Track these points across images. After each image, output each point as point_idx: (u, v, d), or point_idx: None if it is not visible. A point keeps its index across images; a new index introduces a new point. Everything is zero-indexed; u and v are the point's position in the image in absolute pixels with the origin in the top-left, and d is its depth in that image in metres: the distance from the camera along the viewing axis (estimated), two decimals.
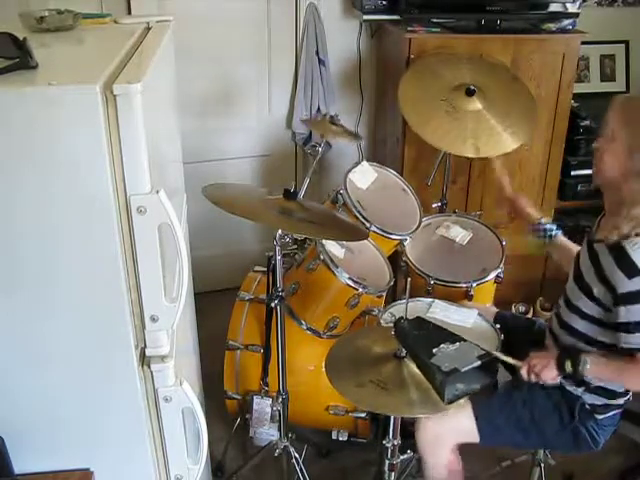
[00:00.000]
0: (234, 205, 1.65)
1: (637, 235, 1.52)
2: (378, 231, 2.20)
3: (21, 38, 1.08)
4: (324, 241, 2.07)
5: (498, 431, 1.79)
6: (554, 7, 2.89)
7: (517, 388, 1.79)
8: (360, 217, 2.18)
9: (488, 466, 2.24)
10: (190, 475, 1.31)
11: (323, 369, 1.58)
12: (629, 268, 1.52)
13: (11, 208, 1.00)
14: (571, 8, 2.88)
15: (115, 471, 1.25)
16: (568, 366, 1.61)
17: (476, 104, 2.40)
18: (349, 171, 2.32)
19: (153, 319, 1.12)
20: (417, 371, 1.47)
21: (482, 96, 2.42)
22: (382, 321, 1.90)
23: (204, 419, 1.27)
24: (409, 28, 2.77)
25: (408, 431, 1.84)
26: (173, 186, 1.51)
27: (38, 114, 0.95)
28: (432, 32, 2.78)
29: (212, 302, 2.56)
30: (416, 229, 2.33)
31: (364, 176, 2.36)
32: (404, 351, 1.50)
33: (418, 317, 1.63)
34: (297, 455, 2.14)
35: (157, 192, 1.04)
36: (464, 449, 1.85)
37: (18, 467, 1.20)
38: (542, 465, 1.99)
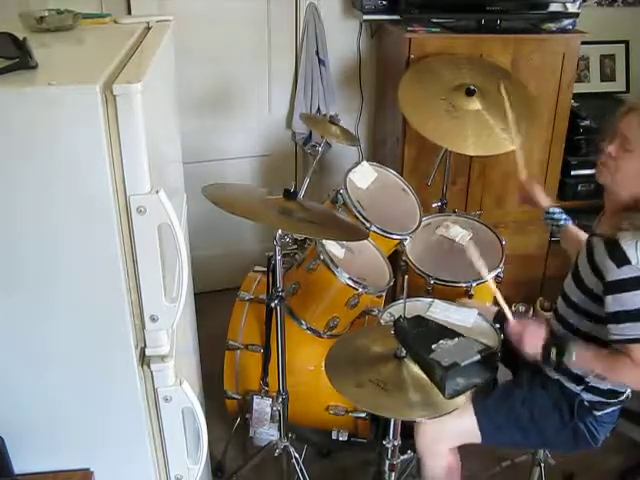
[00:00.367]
0: (234, 205, 1.65)
1: (634, 230, 1.53)
2: (378, 231, 2.20)
3: (21, 38, 1.08)
4: (324, 241, 2.07)
5: (499, 430, 1.79)
6: (554, 7, 2.90)
7: (517, 386, 1.80)
8: (360, 217, 2.18)
9: (488, 466, 2.24)
10: (190, 475, 1.31)
11: (323, 369, 1.58)
12: (619, 257, 1.52)
13: (11, 208, 1.00)
14: (571, 8, 2.88)
15: (115, 471, 1.25)
16: (553, 353, 1.61)
17: (476, 104, 2.40)
18: (349, 171, 2.32)
19: (153, 319, 1.12)
20: (417, 371, 1.47)
21: (482, 96, 2.42)
22: (382, 321, 1.90)
23: (204, 419, 1.27)
24: (409, 28, 2.77)
25: (408, 431, 1.84)
26: (173, 186, 1.51)
27: (38, 114, 0.95)
28: (432, 32, 2.78)
29: (212, 302, 2.56)
30: (416, 229, 2.33)
31: (364, 176, 2.36)
32: (404, 351, 1.50)
33: (417, 316, 1.63)
34: (297, 455, 2.14)
35: (157, 192, 1.04)
36: (464, 449, 1.85)
37: (18, 467, 1.20)
38: (542, 465, 1.99)
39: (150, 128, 1.06)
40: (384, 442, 1.73)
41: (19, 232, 1.02)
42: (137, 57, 1.18)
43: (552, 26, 2.88)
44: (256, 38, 3.04)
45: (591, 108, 3.09)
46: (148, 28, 1.49)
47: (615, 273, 1.53)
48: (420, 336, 1.48)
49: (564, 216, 1.98)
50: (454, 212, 2.58)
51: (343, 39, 3.15)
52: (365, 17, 2.96)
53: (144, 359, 1.17)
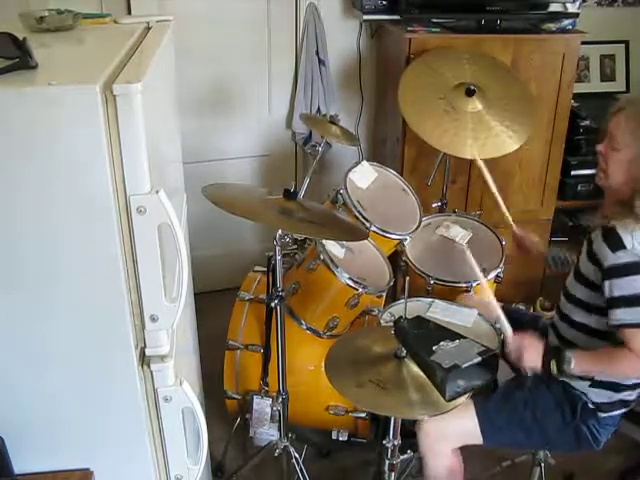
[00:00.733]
0: (234, 205, 1.65)
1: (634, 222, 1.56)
2: (378, 231, 2.20)
3: (21, 38, 1.08)
4: (324, 241, 2.07)
5: (500, 431, 1.79)
6: (554, 7, 2.90)
7: (519, 388, 1.79)
8: (360, 217, 2.18)
9: (488, 466, 2.24)
10: (190, 475, 1.31)
11: (323, 369, 1.58)
12: (614, 242, 1.55)
13: (11, 208, 1.00)
14: (571, 8, 2.88)
15: (115, 471, 1.25)
16: (553, 366, 1.63)
17: (476, 104, 2.40)
18: (349, 171, 2.32)
19: (153, 319, 1.12)
20: (417, 371, 1.47)
21: (482, 96, 2.42)
22: (382, 321, 1.90)
23: (204, 419, 1.27)
24: (409, 28, 2.77)
25: (408, 430, 1.84)
26: (173, 186, 1.51)
27: (38, 114, 0.95)
28: (432, 32, 2.78)
29: (212, 302, 2.56)
30: (416, 229, 2.33)
31: (364, 176, 2.36)
32: (404, 351, 1.50)
33: (418, 316, 1.63)
34: (297, 455, 2.14)
35: (157, 192, 1.04)
36: (464, 450, 1.85)
37: (18, 467, 1.20)
38: (542, 465, 1.99)
39: (150, 128, 1.06)
40: (384, 442, 1.73)
41: (19, 232, 1.02)
42: (137, 57, 1.18)
43: (552, 26, 2.88)
44: (256, 38, 3.04)
45: (591, 108, 3.09)
46: (148, 28, 1.49)
47: (611, 258, 1.56)
48: (420, 337, 1.48)
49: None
50: (454, 212, 2.58)
51: (343, 39, 3.15)
52: (365, 17, 2.96)
53: (144, 359, 1.17)
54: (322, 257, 2.04)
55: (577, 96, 3.04)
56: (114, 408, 1.19)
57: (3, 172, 0.97)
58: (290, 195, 1.69)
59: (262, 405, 2.19)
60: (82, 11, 1.46)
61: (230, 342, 2.26)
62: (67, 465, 1.22)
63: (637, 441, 2.44)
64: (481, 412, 1.77)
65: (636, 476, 2.36)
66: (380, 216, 2.23)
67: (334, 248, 2.12)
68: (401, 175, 2.54)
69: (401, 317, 1.54)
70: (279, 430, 2.13)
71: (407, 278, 1.61)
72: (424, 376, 1.45)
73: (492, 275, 2.22)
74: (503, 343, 1.76)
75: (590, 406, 1.74)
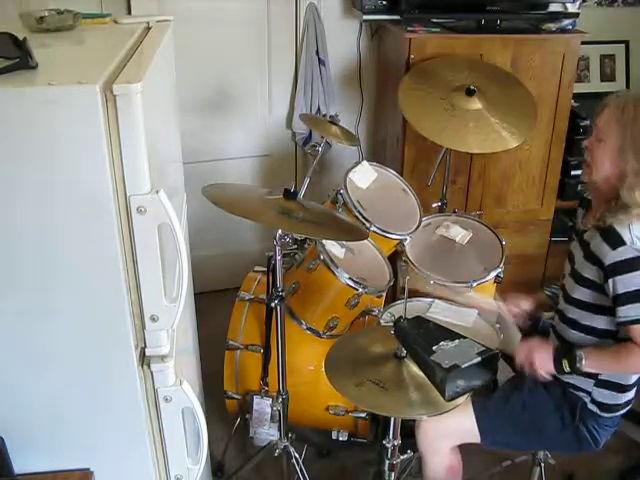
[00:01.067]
0: (234, 205, 1.65)
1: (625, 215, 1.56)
2: (378, 231, 2.20)
3: (21, 38, 1.08)
4: (324, 241, 2.07)
5: (498, 432, 1.79)
6: (554, 7, 2.89)
7: (517, 389, 1.79)
8: (360, 217, 2.18)
9: (488, 466, 2.24)
10: (190, 475, 1.31)
11: (323, 369, 1.58)
12: (614, 239, 1.55)
13: (11, 208, 1.00)
14: (571, 8, 2.88)
15: (115, 471, 1.25)
16: (566, 365, 1.63)
17: (476, 104, 2.41)
18: (349, 171, 2.32)
19: (153, 319, 1.12)
20: (417, 371, 1.47)
21: (482, 96, 2.42)
22: (382, 321, 1.90)
23: (204, 419, 1.27)
24: (409, 28, 2.77)
25: (408, 430, 1.84)
26: (173, 186, 1.51)
27: (38, 114, 0.95)
28: (432, 32, 2.78)
29: (212, 302, 2.56)
30: (416, 229, 2.33)
31: (364, 176, 2.36)
32: (404, 351, 1.50)
33: (418, 316, 1.63)
34: (297, 455, 2.14)
35: (157, 192, 1.04)
36: (465, 449, 1.85)
37: (18, 467, 1.20)
38: (542, 465, 1.99)
39: (150, 128, 1.06)
40: (384, 442, 1.73)
41: (19, 232, 1.02)
42: (137, 57, 1.18)
43: (552, 26, 2.88)
44: (256, 38, 3.04)
45: (591, 108, 3.05)
46: (148, 28, 1.49)
47: (611, 255, 1.55)
48: (420, 337, 1.48)
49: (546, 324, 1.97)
50: (454, 212, 2.58)
51: (343, 39, 3.15)
52: (365, 17, 2.96)
53: (144, 359, 1.17)
54: (322, 257, 2.04)
55: (577, 96, 3.04)
56: (114, 408, 1.19)
57: (3, 172, 0.97)
58: (290, 195, 1.69)
59: (262, 405, 2.19)
60: (82, 11, 1.46)
61: (230, 342, 2.26)
62: (67, 465, 1.22)
63: (637, 441, 2.44)
64: (479, 412, 1.77)
65: (636, 476, 2.36)
66: (380, 216, 2.23)
67: (334, 248, 2.12)
68: (401, 175, 2.54)
69: (401, 317, 1.54)
70: (279, 430, 2.13)
71: (407, 278, 1.61)
72: (424, 376, 1.45)
73: (492, 275, 2.22)
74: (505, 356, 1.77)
75: (590, 407, 1.73)
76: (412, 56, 2.70)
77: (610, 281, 1.57)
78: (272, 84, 3.15)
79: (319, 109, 3.10)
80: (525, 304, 1.94)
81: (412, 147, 2.83)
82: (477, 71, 2.55)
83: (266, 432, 2.22)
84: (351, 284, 2.04)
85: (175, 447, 1.26)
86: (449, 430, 1.79)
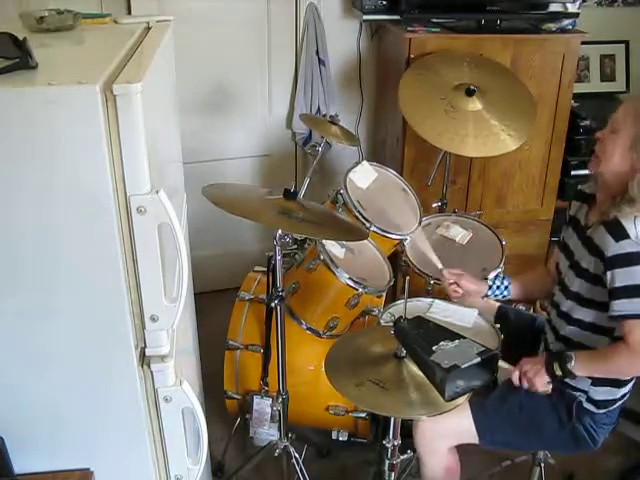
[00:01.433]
0: (234, 205, 1.65)
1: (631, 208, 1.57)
2: (378, 231, 2.20)
3: (21, 38, 1.08)
4: (324, 241, 2.07)
5: (496, 432, 1.79)
6: (554, 7, 2.89)
7: (514, 390, 1.79)
8: (360, 217, 2.18)
9: (488, 466, 2.24)
10: (190, 475, 1.31)
11: (323, 369, 1.58)
12: (618, 232, 1.55)
13: (11, 208, 1.00)
14: (571, 8, 2.88)
15: (115, 471, 1.25)
16: (557, 368, 1.64)
17: (476, 104, 2.41)
18: (349, 171, 2.32)
19: (153, 319, 1.12)
20: (417, 371, 1.47)
21: (482, 96, 2.42)
22: (382, 321, 1.90)
23: (204, 419, 1.27)
24: (409, 28, 2.77)
25: (408, 430, 1.84)
26: (173, 186, 1.51)
27: (38, 114, 0.95)
28: (432, 32, 2.78)
29: (212, 302, 2.56)
30: (416, 229, 2.33)
31: (364, 176, 2.36)
32: (404, 351, 1.50)
33: (418, 316, 1.63)
34: (297, 455, 2.14)
35: (157, 192, 1.04)
36: (464, 449, 1.85)
37: (18, 467, 1.20)
38: (542, 465, 1.99)
39: (150, 128, 1.06)
40: (384, 442, 1.73)
41: (19, 232, 1.02)
42: (137, 57, 1.18)
43: (552, 26, 2.88)
44: (256, 38, 3.04)
45: (591, 108, 3.09)
46: (148, 28, 1.49)
47: (614, 248, 1.55)
48: (420, 337, 1.48)
49: (504, 292, 1.98)
50: (454, 212, 2.58)
51: (343, 39, 3.15)
52: (365, 17, 2.96)
53: (144, 359, 1.17)
54: (322, 257, 2.04)
55: (577, 96, 3.04)
56: (114, 408, 1.19)
57: (3, 172, 0.97)
58: (290, 195, 1.69)
59: (262, 405, 2.19)
60: (82, 11, 1.46)
61: (230, 342, 2.26)
62: (67, 465, 1.22)
63: (637, 441, 2.44)
64: (477, 412, 1.77)
65: (636, 476, 2.36)
66: (380, 216, 2.23)
67: (334, 248, 2.12)
68: (401, 175, 2.53)
69: (401, 317, 1.54)
70: (279, 430, 2.13)
71: (407, 278, 1.61)
72: (424, 376, 1.45)
73: (492, 275, 2.22)
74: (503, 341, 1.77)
75: (585, 405, 1.73)
76: (412, 56, 2.70)
77: (609, 274, 1.56)
78: (272, 84, 3.15)
79: (319, 109, 3.10)
80: (467, 284, 1.94)
81: (412, 147, 2.83)
82: (477, 70, 2.54)
83: (266, 432, 2.22)
84: (351, 284, 2.04)
85: (175, 447, 1.26)
86: (447, 430, 1.79)
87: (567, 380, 1.72)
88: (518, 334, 1.92)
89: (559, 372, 1.64)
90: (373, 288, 2.10)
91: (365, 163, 2.41)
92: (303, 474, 2.12)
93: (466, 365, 1.39)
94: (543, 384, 1.68)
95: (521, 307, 3.02)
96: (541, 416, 1.76)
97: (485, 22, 2.87)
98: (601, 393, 1.72)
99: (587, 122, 3.02)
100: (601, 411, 1.74)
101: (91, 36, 1.45)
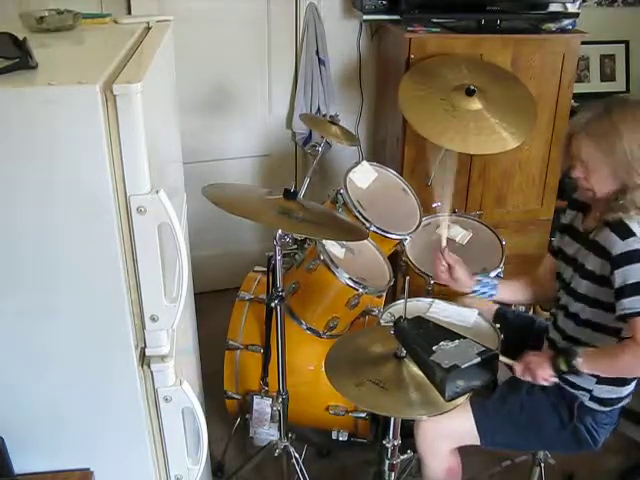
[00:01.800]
0: (234, 205, 1.65)
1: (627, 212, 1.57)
2: (378, 231, 2.20)
3: (21, 38, 1.08)
4: (324, 241, 2.07)
5: (497, 432, 1.79)
6: (554, 7, 2.89)
7: (515, 390, 1.79)
8: (360, 217, 2.18)
9: (488, 466, 2.24)
10: (190, 475, 1.31)
11: (323, 369, 1.58)
12: (623, 231, 1.56)
13: (11, 208, 1.00)
14: (571, 8, 2.88)
15: (115, 471, 1.25)
16: (562, 364, 1.62)
17: (476, 104, 2.41)
18: (349, 171, 2.32)
19: (153, 319, 1.12)
20: (417, 371, 1.47)
21: (482, 96, 2.42)
22: (382, 321, 1.90)
23: (204, 419, 1.27)
24: (409, 28, 2.77)
25: (408, 430, 1.84)
26: (173, 186, 1.51)
27: (38, 114, 0.95)
28: (432, 32, 2.78)
29: (212, 302, 2.56)
30: (416, 229, 2.33)
31: (364, 176, 2.36)
32: (404, 351, 1.50)
33: (418, 316, 1.63)
34: (297, 455, 2.14)
35: (157, 192, 1.04)
36: (464, 449, 1.85)
37: (18, 467, 1.20)
38: (542, 465, 1.99)
39: (150, 128, 1.06)
40: (384, 442, 1.73)
41: (19, 232, 1.02)
42: (137, 57, 1.18)
43: (552, 26, 2.88)
44: (256, 38, 3.04)
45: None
46: (148, 28, 1.49)
47: (620, 246, 1.55)
48: (420, 337, 1.48)
49: (492, 291, 1.96)
50: (454, 212, 2.58)
51: (343, 39, 3.15)
52: (365, 17, 2.96)
53: (144, 359, 1.17)
54: (322, 257, 2.04)
55: (577, 96, 3.04)
56: (114, 408, 1.19)
57: (3, 172, 0.97)
58: (290, 195, 1.69)
59: (262, 405, 2.19)
60: (82, 11, 1.46)
61: (230, 342, 2.26)
62: (67, 465, 1.22)
63: (637, 441, 2.44)
64: (478, 412, 1.77)
65: (636, 476, 2.36)
66: (380, 216, 2.23)
67: (334, 248, 2.12)
68: (401, 175, 2.54)
69: (401, 317, 1.54)
70: (279, 430, 2.13)
71: (407, 278, 1.61)
72: (424, 376, 1.45)
73: (492, 275, 2.22)
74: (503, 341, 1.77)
75: (588, 404, 1.73)
76: (412, 56, 2.70)
77: (616, 272, 1.56)
78: (272, 84, 3.15)
79: (319, 109, 3.10)
80: (459, 270, 1.92)
81: (412, 147, 2.83)
82: (477, 71, 2.55)
83: (266, 432, 2.22)
84: (351, 284, 2.04)
85: (175, 447, 1.26)
86: (448, 431, 1.79)
87: (572, 378, 1.72)
88: (517, 335, 1.92)
89: (564, 367, 1.62)
90: (373, 288, 2.10)
91: (365, 163, 2.41)
92: (303, 474, 2.12)
93: (466, 365, 1.39)
94: (546, 377, 1.66)
95: (521, 307, 3.02)
96: (542, 416, 1.76)
97: (485, 22, 2.87)
98: (606, 391, 1.72)
99: None
100: (606, 409, 1.73)
101: (91, 36, 1.45)
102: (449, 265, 1.92)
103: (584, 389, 1.73)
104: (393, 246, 2.32)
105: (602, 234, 1.61)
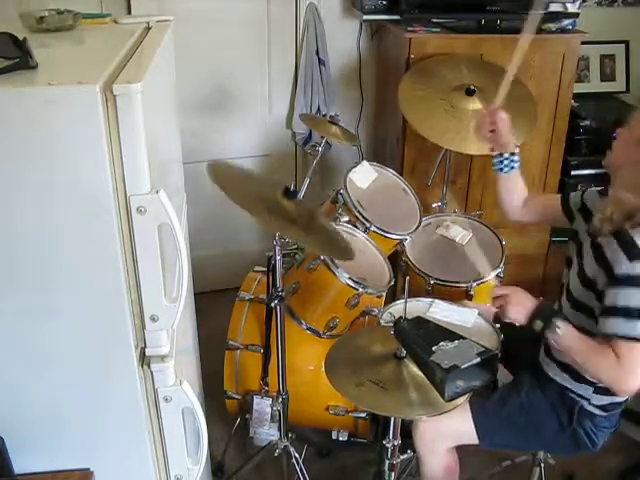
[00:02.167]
0: (234, 190, 1.59)
1: None
2: (378, 231, 2.20)
3: (21, 38, 1.08)
4: None
5: (496, 434, 1.79)
6: (554, 7, 2.89)
7: (514, 392, 1.79)
8: (360, 217, 2.18)
9: (488, 466, 2.24)
10: (190, 475, 1.31)
11: (323, 369, 1.58)
12: (632, 251, 1.50)
13: (11, 208, 1.00)
14: (571, 8, 2.88)
15: (115, 471, 1.25)
16: (538, 325, 1.59)
17: (476, 104, 2.41)
18: (349, 171, 2.32)
19: (153, 319, 1.12)
20: (417, 371, 1.47)
21: (482, 96, 2.42)
22: (382, 321, 1.90)
23: (204, 419, 1.27)
24: (409, 28, 2.77)
25: (408, 430, 1.84)
26: (173, 186, 1.51)
27: (38, 114, 0.95)
28: (432, 32, 2.78)
29: (212, 302, 2.56)
30: (416, 229, 2.33)
31: (364, 176, 2.37)
32: (404, 351, 1.51)
33: (417, 317, 1.63)
34: (297, 455, 2.14)
35: (157, 192, 1.04)
36: (464, 449, 1.85)
37: (18, 467, 1.20)
38: (542, 465, 1.99)
39: (150, 128, 1.06)
40: (384, 442, 1.73)
41: (19, 232, 1.02)
42: (137, 57, 1.18)
43: (552, 26, 2.88)
44: (256, 38, 3.04)
45: (591, 108, 3.09)
46: (148, 28, 1.49)
47: (625, 266, 1.50)
48: (420, 337, 1.48)
49: (515, 163, 1.94)
50: (454, 212, 2.58)
51: (343, 39, 3.15)
52: (365, 17, 2.96)
53: (144, 359, 1.17)
54: (322, 257, 2.04)
55: (577, 96, 3.04)
56: (114, 408, 1.19)
57: (3, 172, 0.97)
58: (290, 194, 1.68)
59: (262, 405, 2.19)
60: (82, 11, 1.46)
61: (230, 342, 2.26)
62: (67, 465, 1.23)
63: (637, 441, 2.44)
64: (477, 413, 1.76)
65: (636, 476, 2.36)
66: (380, 216, 2.23)
67: None
68: (401, 175, 2.54)
69: (401, 317, 1.54)
70: (279, 430, 2.13)
71: (407, 278, 1.61)
72: (423, 376, 1.45)
73: (492, 275, 2.22)
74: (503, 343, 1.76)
75: (588, 408, 1.72)
76: (412, 56, 2.70)
77: (612, 291, 1.52)
78: (272, 84, 3.15)
79: (319, 109, 3.10)
80: (506, 126, 1.93)
81: (412, 147, 2.83)
82: (477, 71, 2.55)
83: (266, 432, 2.22)
84: (351, 284, 2.04)
85: (175, 447, 1.26)
86: (447, 431, 1.78)
87: (568, 386, 1.71)
88: (516, 337, 1.91)
89: (538, 325, 1.58)
90: (373, 288, 2.10)
91: (365, 163, 2.41)
92: (303, 474, 2.12)
93: (466, 365, 1.39)
94: (513, 318, 1.64)
95: None
96: (541, 419, 1.76)
97: (485, 22, 2.87)
98: (604, 400, 1.70)
99: (587, 122, 3.02)
100: (605, 413, 1.72)
101: (91, 36, 1.45)
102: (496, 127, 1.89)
103: (582, 397, 1.72)
104: (393, 246, 2.32)
105: (609, 244, 1.56)
